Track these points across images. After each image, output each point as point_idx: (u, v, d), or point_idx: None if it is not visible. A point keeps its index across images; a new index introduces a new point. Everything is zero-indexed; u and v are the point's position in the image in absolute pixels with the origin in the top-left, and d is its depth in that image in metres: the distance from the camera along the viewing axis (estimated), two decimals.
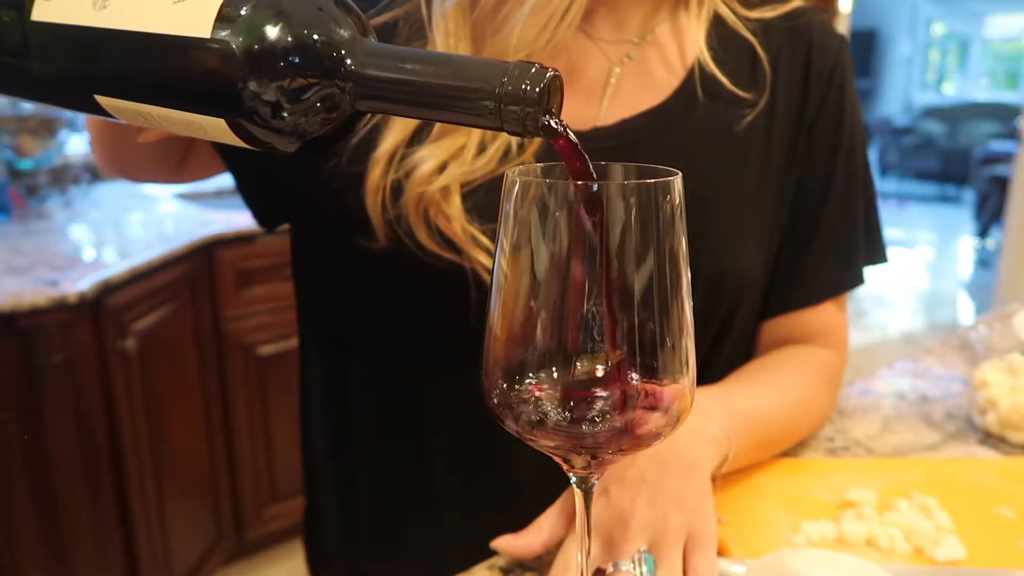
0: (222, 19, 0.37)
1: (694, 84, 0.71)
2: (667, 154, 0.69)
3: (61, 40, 0.42)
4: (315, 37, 0.38)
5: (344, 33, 0.38)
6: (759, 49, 0.72)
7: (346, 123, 0.41)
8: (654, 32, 0.73)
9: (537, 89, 0.34)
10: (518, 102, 0.35)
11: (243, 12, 0.37)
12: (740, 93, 0.71)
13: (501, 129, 0.36)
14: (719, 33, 0.72)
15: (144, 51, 0.39)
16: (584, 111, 0.71)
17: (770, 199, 0.74)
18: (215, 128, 0.40)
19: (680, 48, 0.73)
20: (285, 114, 0.38)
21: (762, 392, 0.73)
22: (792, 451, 0.79)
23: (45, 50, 0.42)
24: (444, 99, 0.36)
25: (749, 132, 0.72)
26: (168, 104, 0.40)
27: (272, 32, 0.37)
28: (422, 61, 0.37)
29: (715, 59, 0.70)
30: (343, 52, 0.38)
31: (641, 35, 0.72)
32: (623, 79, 0.72)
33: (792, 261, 0.76)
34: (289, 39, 0.37)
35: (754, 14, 0.74)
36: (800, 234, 0.76)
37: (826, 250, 0.76)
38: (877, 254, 0.80)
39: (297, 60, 0.38)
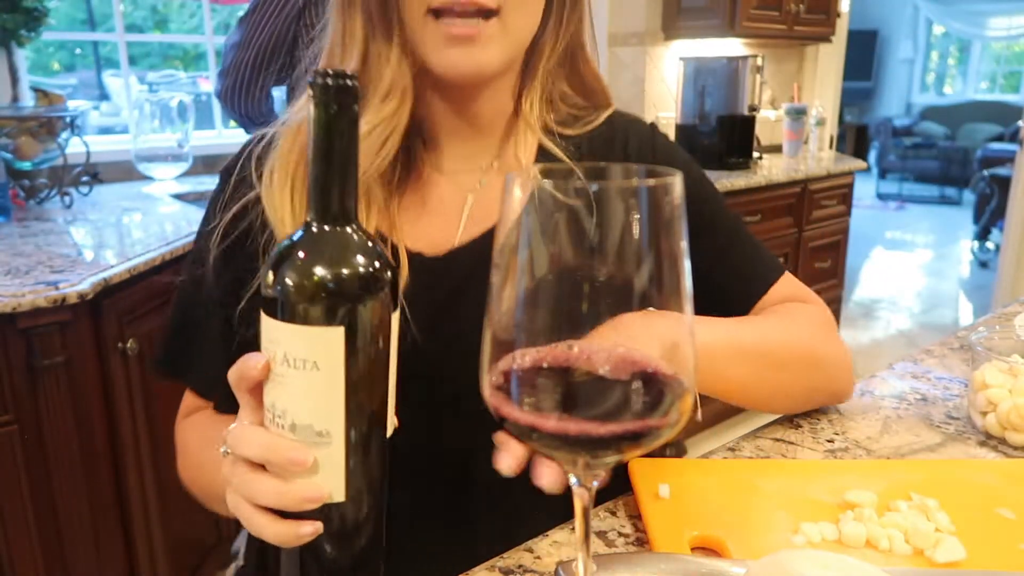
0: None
1: None
2: None
3: None
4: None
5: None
6: (576, 169, 0.76)
7: None
8: (500, 158, 0.81)
9: None
10: None
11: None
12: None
13: None
14: (547, 157, 0.80)
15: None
16: (443, 236, 0.79)
17: None
18: None
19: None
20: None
21: (729, 320, 0.79)
22: (792, 452, 0.79)
23: None
24: None
25: None
26: None
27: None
28: None
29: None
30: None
31: (488, 163, 0.81)
32: (476, 205, 0.80)
33: (725, 285, 0.85)
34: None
35: (574, 131, 0.83)
36: (720, 282, 0.84)
37: (743, 265, 0.87)
38: (774, 268, 0.89)
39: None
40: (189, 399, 0.83)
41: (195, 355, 0.81)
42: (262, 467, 0.49)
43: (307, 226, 0.49)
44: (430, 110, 0.77)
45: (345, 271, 0.47)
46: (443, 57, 0.70)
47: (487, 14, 0.68)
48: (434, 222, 0.79)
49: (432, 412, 0.73)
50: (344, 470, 0.49)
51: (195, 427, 0.80)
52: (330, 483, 0.48)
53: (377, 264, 0.49)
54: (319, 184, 0.48)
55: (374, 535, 0.52)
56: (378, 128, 0.71)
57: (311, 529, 0.48)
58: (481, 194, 0.80)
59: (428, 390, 0.71)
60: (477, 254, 0.77)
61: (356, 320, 0.47)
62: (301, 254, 0.47)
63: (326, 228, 0.48)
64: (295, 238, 0.49)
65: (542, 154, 0.81)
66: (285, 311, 0.47)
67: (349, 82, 0.46)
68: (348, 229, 0.49)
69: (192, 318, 0.80)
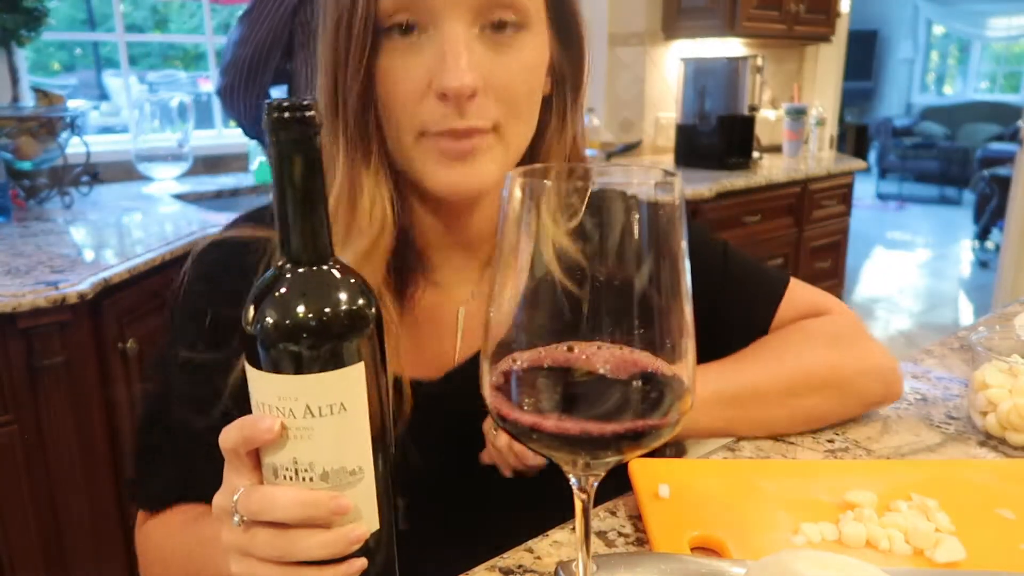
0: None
1: None
2: None
3: None
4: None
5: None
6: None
7: None
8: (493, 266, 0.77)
9: None
10: None
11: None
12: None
13: None
14: None
15: None
16: (439, 355, 0.77)
17: None
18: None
19: None
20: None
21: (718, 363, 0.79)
22: (792, 452, 0.79)
23: None
24: None
25: None
26: None
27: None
28: None
29: None
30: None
31: (480, 273, 0.78)
32: (470, 316, 0.77)
33: (731, 314, 0.83)
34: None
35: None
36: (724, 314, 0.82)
37: (744, 288, 0.86)
38: (778, 284, 0.87)
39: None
40: (143, 515, 0.75)
41: (159, 478, 0.74)
42: (282, 524, 0.47)
43: (285, 270, 0.47)
44: (420, 225, 0.75)
45: (353, 308, 0.46)
46: (440, 176, 0.67)
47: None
48: (430, 341, 0.77)
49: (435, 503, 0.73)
50: (376, 499, 0.48)
51: (157, 527, 0.73)
52: (367, 515, 0.48)
53: (369, 292, 0.48)
54: (292, 224, 0.46)
55: (392, 547, 0.52)
56: (357, 256, 0.67)
57: (358, 566, 0.48)
58: (473, 305, 0.78)
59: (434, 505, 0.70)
60: (474, 374, 0.75)
61: (368, 351, 0.47)
62: (301, 304, 0.46)
63: (312, 269, 0.47)
64: (282, 288, 0.46)
65: None
66: (304, 364, 0.45)
67: (307, 113, 0.44)
68: (326, 266, 0.47)
69: (157, 441, 0.74)
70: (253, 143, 2.55)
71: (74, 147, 2.25)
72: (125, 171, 2.62)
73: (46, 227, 1.94)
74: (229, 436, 0.47)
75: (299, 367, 0.45)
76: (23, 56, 2.40)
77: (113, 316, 1.54)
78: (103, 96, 4.51)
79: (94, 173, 2.39)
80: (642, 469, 0.70)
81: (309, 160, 0.45)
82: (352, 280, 0.48)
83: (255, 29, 1.98)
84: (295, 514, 0.46)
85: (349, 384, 0.46)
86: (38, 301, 1.35)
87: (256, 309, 0.46)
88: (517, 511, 0.67)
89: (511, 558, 0.63)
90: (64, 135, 2.18)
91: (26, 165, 2.12)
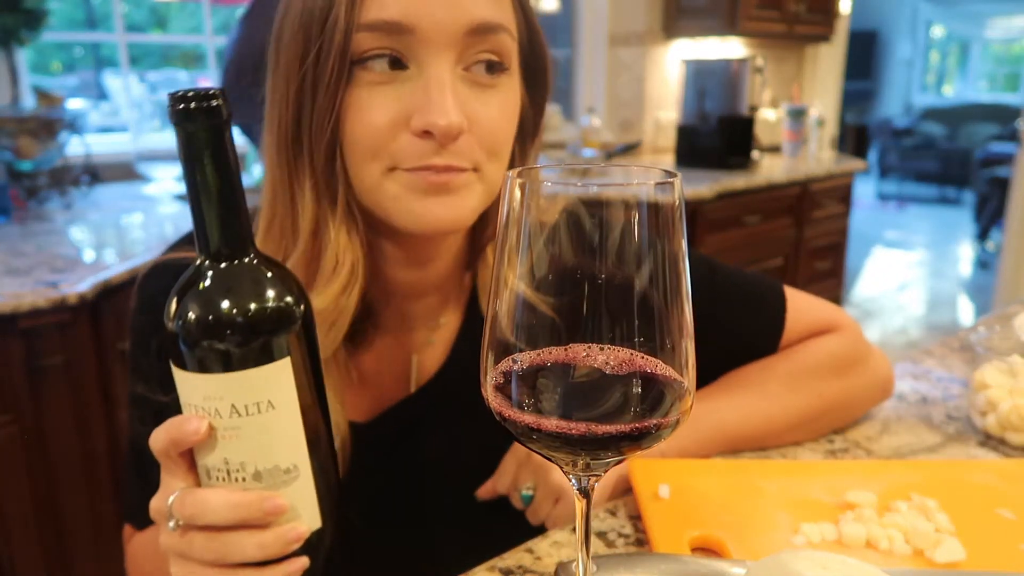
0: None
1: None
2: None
3: None
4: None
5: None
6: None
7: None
8: (447, 317, 0.77)
9: None
10: None
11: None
12: None
13: None
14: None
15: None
16: (394, 396, 0.75)
17: None
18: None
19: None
20: None
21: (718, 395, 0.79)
22: (792, 452, 0.79)
23: None
24: None
25: None
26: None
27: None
28: None
29: None
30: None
31: (435, 322, 0.76)
32: (423, 363, 0.76)
33: (733, 332, 0.81)
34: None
35: None
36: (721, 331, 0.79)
37: (743, 308, 0.81)
38: (777, 298, 0.82)
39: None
40: (130, 530, 0.77)
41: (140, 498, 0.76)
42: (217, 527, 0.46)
43: (206, 266, 0.45)
44: (385, 270, 0.72)
45: (274, 302, 0.45)
46: (415, 208, 0.62)
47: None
48: (386, 384, 0.76)
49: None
50: (316, 496, 0.48)
51: (139, 542, 0.75)
52: (307, 514, 0.47)
53: (295, 285, 0.47)
54: (207, 219, 0.44)
55: (339, 544, 0.51)
56: (323, 313, 0.64)
57: (299, 566, 0.47)
58: (426, 354, 0.76)
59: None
60: (430, 399, 0.75)
61: (296, 346, 0.45)
62: (218, 301, 0.44)
63: (233, 263, 0.45)
64: (199, 286, 0.45)
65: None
66: (227, 362, 0.44)
67: (213, 103, 0.42)
68: (247, 259, 0.46)
69: (137, 463, 0.74)
70: None
71: (74, 147, 2.24)
72: (125, 171, 2.62)
73: (46, 227, 1.94)
74: (158, 439, 0.46)
75: (221, 365, 0.44)
76: (23, 56, 2.40)
77: (113, 317, 1.54)
78: (103, 96, 4.51)
79: (94, 173, 2.39)
80: (642, 469, 0.70)
81: (218, 152, 0.43)
82: (274, 273, 0.46)
83: (255, 29, 1.99)
84: (228, 516, 0.45)
85: (275, 381, 0.44)
86: (38, 301, 1.35)
87: (176, 308, 0.45)
88: (445, 559, 0.67)
89: (511, 558, 0.63)
90: (64, 135, 2.18)
91: (26, 165, 2.12)
